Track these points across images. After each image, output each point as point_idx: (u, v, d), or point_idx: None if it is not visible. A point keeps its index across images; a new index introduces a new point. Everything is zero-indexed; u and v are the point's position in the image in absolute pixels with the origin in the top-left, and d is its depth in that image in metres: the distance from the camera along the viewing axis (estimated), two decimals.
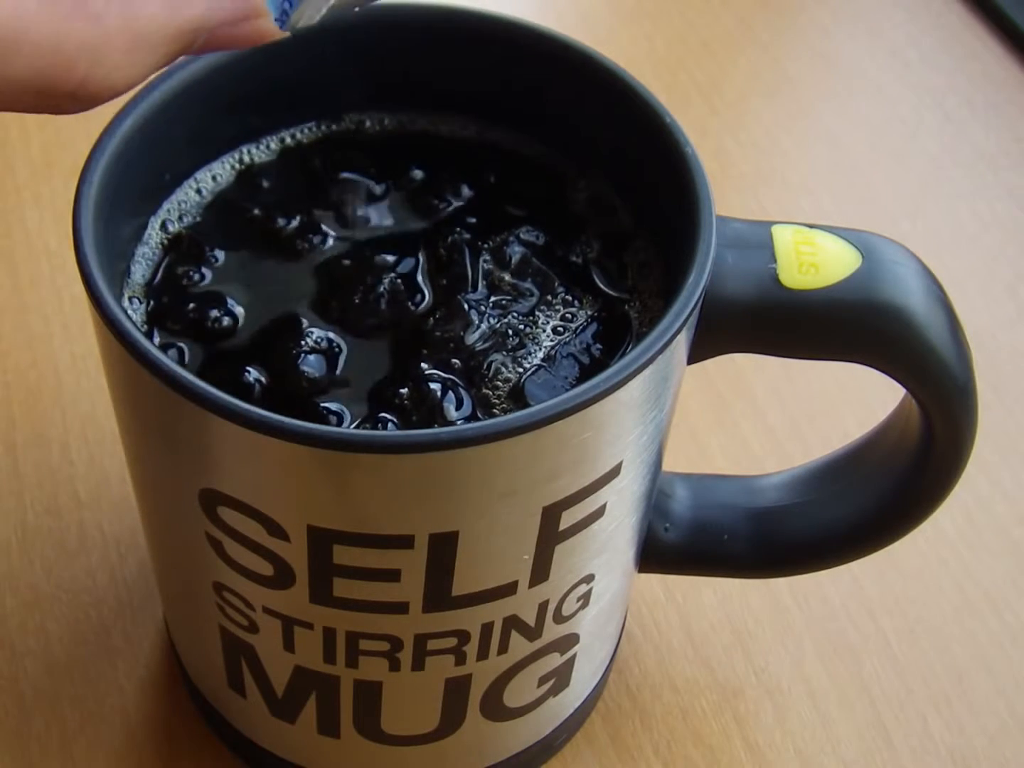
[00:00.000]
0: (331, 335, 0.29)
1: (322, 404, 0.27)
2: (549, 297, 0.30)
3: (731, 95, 0.57)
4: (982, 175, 0.54)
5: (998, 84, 0.58)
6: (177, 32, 0.21)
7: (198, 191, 0.31)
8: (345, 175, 0.32)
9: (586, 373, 0.28)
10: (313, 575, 0.27)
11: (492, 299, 0.29)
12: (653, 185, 0.30)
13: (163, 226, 0.31)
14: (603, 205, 0.32)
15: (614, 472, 0.27)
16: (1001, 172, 0.54)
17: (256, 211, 0.31)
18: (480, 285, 0.30)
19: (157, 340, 0.28)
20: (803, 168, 0.54)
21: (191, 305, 0.29)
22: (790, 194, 0.53)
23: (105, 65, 0.20)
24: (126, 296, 0.29)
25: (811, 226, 0.29)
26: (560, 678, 0.33)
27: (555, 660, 0.32)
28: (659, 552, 0.34)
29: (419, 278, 0.30)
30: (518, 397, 0.28)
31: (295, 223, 0.31)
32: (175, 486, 0.27)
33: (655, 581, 0.40)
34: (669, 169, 0.28)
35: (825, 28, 0.61)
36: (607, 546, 0.29)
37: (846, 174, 0.54)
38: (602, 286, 0.30)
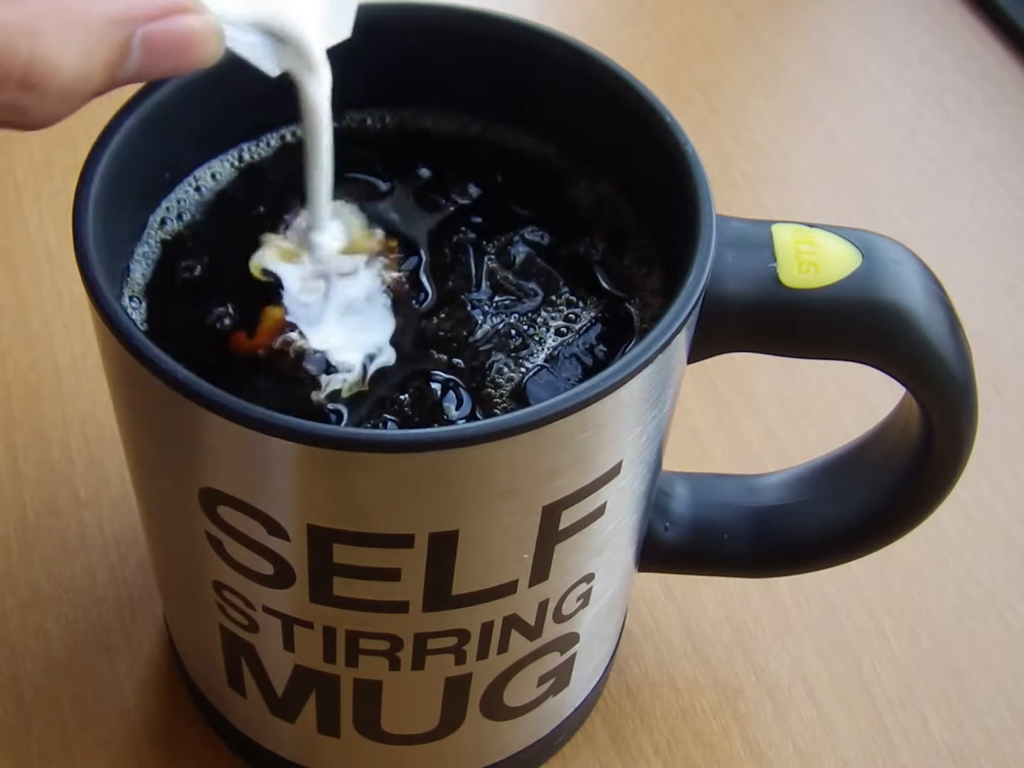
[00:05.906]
0: None
1: (323, 403, 0.27)
2: (553, 297, 0.30)
3: (731, 95, 0.57)
4: (982, 175, 0.54)
5: (998, 84, 0.58)
6: (106, 19, 0.22)
7: (197, 189, 0.31)
8: (348, 174, 0.32)
9: (588, 374, 0.28)
10: (313, 574, 0.27)
11: (496, 299, 0.29)
12: (653, 184, 0.30)
13: (162, 225, 0.30)
14: (604, 204, 0.32)
15: (614, 471, 0.27)
16: (1001, 172, 0.54)
17: (256, 209, 0.31)
18: (484, 285, 0.30)
19: (157, 339, 0.28)
20: (803, 168, 0.54)
21: (191, 304, 0.29)
22: (790, 194, 0.53)
23: (44, 44, 0.21)
24: (126, 296, 0.29)
25: (811, 225, 0.29)
26: (560, 677, 0.33)
27: (555, 659, 0.32)
28: (659, 551, 0.34)
29: (423, 277, 0.30)
30: (520, 397, 0.28)
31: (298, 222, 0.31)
32: (175, 485, 0.27)
33: (655, 581, 0.40)
34: (669, 168, 0.28)
35: (825, 28, 0.61)
36: (607, 545, 0.29)
37: (846, 174, 0.54)
38: (605, 286, 0.30)
